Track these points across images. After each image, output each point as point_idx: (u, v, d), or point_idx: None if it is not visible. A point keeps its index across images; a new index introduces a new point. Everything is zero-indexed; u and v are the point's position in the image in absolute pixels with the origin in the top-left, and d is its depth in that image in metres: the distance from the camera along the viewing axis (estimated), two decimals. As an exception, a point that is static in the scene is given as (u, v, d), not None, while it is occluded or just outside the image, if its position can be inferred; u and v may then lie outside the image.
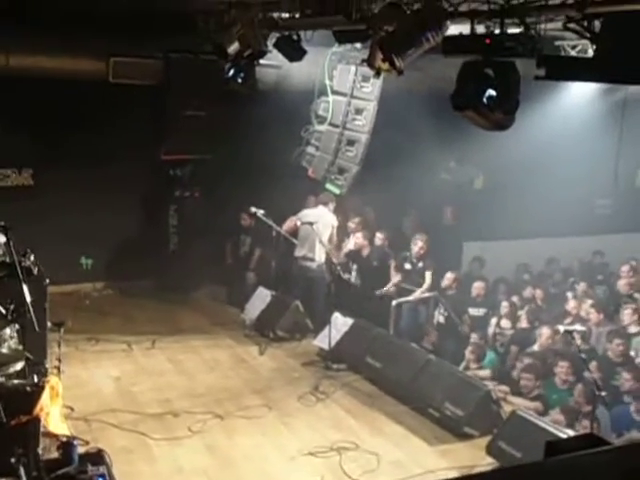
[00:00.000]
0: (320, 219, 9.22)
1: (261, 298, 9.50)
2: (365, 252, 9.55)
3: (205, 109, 9.79)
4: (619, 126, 7.93)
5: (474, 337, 8.11)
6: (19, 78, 8.66)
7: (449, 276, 9.08)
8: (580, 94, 9.47)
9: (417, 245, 9.06)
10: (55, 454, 5.22)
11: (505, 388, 7.34)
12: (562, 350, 7.43)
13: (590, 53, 7.52)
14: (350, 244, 9.68)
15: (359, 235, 9.51)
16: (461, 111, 5.07)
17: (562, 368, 7.04)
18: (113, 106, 9.54)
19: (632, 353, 7.32)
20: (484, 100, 4.95)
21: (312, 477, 5.78)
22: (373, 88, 9.13)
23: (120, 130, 9.64)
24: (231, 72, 8.54)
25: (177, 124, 9.84)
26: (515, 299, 9.11)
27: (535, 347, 7.75)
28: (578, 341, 6.41)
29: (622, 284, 9.07)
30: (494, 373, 7.79)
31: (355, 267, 9.54)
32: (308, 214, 9.42)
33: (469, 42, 5.22)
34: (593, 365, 6.69)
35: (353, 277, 9.51)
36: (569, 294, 9.20)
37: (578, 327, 6.75)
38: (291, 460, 6.11)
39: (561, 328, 6.45)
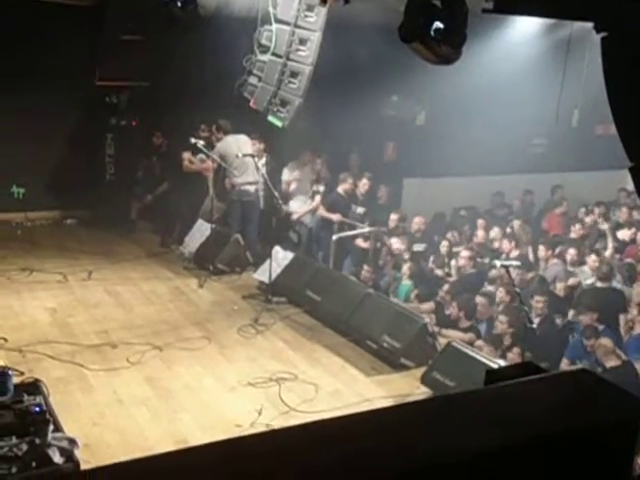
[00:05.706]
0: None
1: (200, 231, 9.40)
2: None
3: (142, 34, 9.40)
4: (563, 64, 7.97)
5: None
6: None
7: (393, 217, 9.20)
8: (525, 31, 9.47)
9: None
10: (-11, 385, 5.12)
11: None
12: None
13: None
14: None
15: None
16: (408, 43, 5.00)
17: (501, 293, 7.40)
18: (45, 27, 9.06)
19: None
20: (431, 32, 4.89)
21: (251, 407, 5.84)
22: (318, 18, 8.88)
23: (52, 53, 9.19)
24: (170, -5, 8.17)
25: (113, 48, 9.43)
26: (452, 235, 9.36)
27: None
28: (514, 275, 6.62)
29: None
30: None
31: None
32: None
33: (418, -29, 5.09)
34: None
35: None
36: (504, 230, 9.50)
37: (514, 262, 6.92)
38: (230, 390, 6.16)
39: (497, 263, 6.59)
